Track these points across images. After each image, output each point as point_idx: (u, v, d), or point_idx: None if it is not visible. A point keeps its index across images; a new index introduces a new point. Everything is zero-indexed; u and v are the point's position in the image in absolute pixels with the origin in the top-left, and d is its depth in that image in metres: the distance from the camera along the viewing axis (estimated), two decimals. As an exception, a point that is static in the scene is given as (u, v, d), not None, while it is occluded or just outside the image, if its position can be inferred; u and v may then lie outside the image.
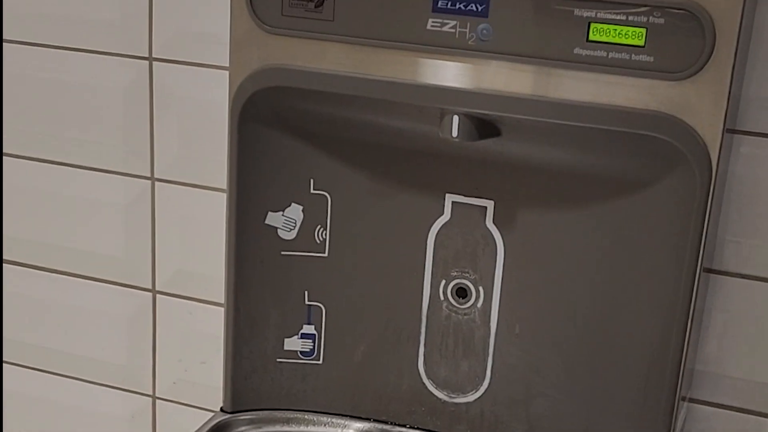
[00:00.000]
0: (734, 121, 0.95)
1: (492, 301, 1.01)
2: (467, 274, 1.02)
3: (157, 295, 1.23)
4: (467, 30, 0.87)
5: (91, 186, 1.21)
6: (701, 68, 0.83)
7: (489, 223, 0.99)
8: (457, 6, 0.87)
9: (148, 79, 1.14)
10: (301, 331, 1.06)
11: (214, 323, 1.20)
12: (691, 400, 1.05)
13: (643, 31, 0.84)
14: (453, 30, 0.88)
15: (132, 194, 1.19)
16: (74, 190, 1.22)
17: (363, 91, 0.92)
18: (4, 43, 1.19)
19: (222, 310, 1.04)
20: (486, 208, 0.99)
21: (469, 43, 0.88)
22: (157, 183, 1.18)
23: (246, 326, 1.04)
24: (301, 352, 1.07)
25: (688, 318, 0.90)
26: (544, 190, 0.97)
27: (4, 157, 1.24)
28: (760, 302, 1.00)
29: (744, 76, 0.94)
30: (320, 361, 1.07)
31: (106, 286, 1.25)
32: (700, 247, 0.88)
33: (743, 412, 1.04)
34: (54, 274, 1.27)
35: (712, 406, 1.05)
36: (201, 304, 1.21)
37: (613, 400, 0.98)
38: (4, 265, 1.29)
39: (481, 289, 1.02)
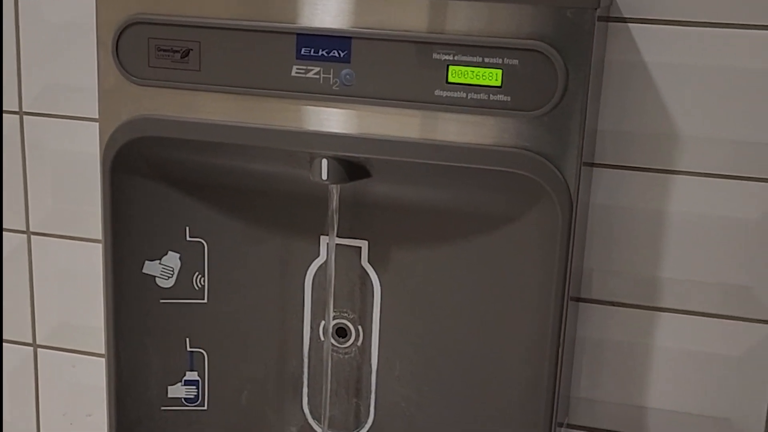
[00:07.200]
0: (592, 155, 0.98)
1: (372, 339, 1.03)
2: (346, 314, 1.03)
3: (38, 349, 1.22)
4: (331, 75, 0.89)
5: (-33, 242, 1.20)
6: (555, 106, 0.86)
7: (364, 263, 1.01)
8: (320, 52, 0.89)
9: (19, 133, 1.14)
10: (185, 378, 1.06)
11: (97, 375, 1.19)
12: (569, 426, 1.08)
13: (499, 72, 0.87)
14: (317, 76, 0.90)
15: (8, 248, 1.18)
16: (-51, 247, 1.21)
17: (232, 138, 0.93)
18: None
19: (105, 360, 1.04)
20: (360, 248, 1.01)
21: (334, 88, 0.90)
22: (33, 236, 1.17)
23: (128, 376, 1.04)
24: (185, 399, 1.07)
25: (559, 346, 0.93)
26: (415, 229, 0.99)
27: None
28: (628, 327, 1.04)
29: (599, 111, 0.98)
30: (205, 407, 1.07)
31: (-16, 342, 1.23)
32: (565, 277, 0.91)
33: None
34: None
35: (586, 430, 1.08)
36: (83, 356, 1.20)
37: (493, 431, 1.00)
38: None
39: (360, 328, 1.03)
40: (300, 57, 0.90)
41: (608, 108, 0.98)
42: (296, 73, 0.90)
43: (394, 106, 0.90)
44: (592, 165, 0.99)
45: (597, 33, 0.86)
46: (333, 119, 0.91)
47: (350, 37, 0.88)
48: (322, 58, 0.89)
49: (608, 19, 0.95)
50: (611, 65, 0.97)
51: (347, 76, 0.89)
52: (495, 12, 0.86)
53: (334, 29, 0.89)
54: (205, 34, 0.91)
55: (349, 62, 0.89)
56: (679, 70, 0.96)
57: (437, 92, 0.88)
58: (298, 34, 0.89)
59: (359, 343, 1.04)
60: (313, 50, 0.89)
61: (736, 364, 1.02)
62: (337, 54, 0.89)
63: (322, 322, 1.04)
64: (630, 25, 0.96)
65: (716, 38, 0.95)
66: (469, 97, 0.88)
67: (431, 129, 0.90)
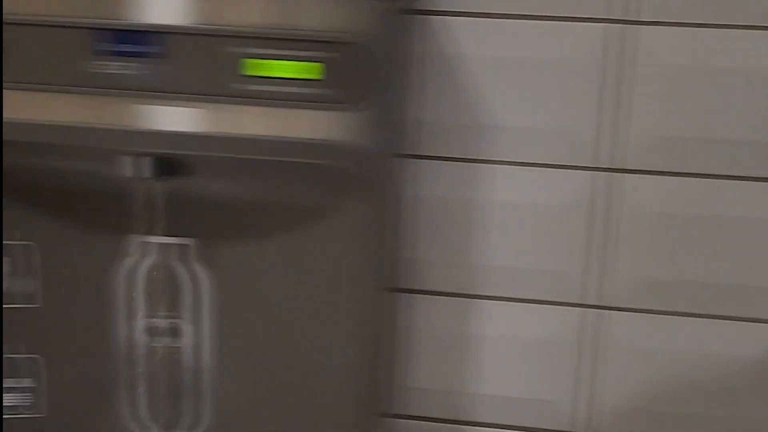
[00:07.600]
0: (410, 147, 0.99)
1: (202, 337, 1.02)
2: (175, 314, 1.03)
3: None
4: (132, 71, 0.89)
5: None
6: (369, 98, 0.86)
7: (191, 261, 1.01)
8: (119, 48, 0.89)
9: None
10: (21, 386, 1.05)
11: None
12: (396, 416, 1.08)
13: (316, 65, 0.86)
14: (118, 71, 0.89)
15: None
16: None
17: (36, 137, 0.92)
18: None
19: (-65, 370, 1.03)
20: (187, 246, 1.00)
21: (135, 84, 0.89)
22: None
23: (-40, 385, 1.03)
24: (21, 407, 1.05)
25: (378, 337, 0.93)
26: (239, 225, 0.99)
27: None
28: (452, 316, 1.04)
29: (418, 103, 0.98)
30: (43, 414, 1.06)
31: None
32: (382, 267, 0.91)
33: (441, 422, 1.08)
34: None
35: (413, 419, 1.08)
36: None
37: (323, 423, 1.00)
38: None
39: (190, 327, 1.03)
40: (99, 52, 0.89)
41: (425, 100, 0.98)
42: (96, 68, 0.89)
43: (201, 101, 0.89)
44: (410, 156, 0.99)
45: (408, 26, 0.87)
46: (136, 116, 0.90)
47: (147, 32, 0.88)
48: (122, 53, 0.89)
49: (423, 12, 0.96)
50: (426, 58, 0.97)
51: (149, 72, 0.89)
52: (302, 5, 0.86)
53: (130, 23, 0.88)
54: (7, 31, 0.90)
55: (152, 57, 0.89)
56: (493, 61, 0.97)
57: (246, 86, 0.88)
58: (94, 29, 0.88)
59: (190, 342, 1.03)
60: (112, 45, 0.89)
61: (556, 348, 1.03)
62: (138, 49, 0.89)
63: (152, 322, 1.03)
64: (446, 17, 0.97)
65: (528, 30, 0.96)
66: (279, 91, 0.87)
67: (240, 124, 0.89)
